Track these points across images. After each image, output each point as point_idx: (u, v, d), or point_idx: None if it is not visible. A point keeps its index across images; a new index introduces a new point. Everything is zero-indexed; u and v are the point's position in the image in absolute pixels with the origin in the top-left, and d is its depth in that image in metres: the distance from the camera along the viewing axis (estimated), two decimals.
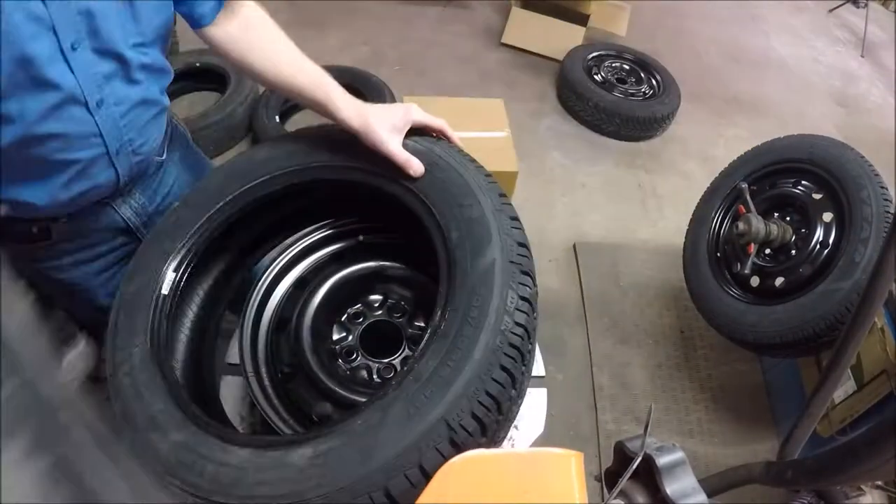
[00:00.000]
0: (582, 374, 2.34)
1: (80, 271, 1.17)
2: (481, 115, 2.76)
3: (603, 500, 0.68)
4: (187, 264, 1.00)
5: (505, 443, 0.95)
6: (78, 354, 1.44)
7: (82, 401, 0.36)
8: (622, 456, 0.71)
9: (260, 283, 1.13)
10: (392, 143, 0.96)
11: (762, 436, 2.24)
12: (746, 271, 2.03)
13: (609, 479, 0.72)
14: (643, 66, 3.67)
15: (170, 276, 0.98)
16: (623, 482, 0.67)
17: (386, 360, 1.05)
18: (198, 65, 3.03)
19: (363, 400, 0.93)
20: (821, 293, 1.78)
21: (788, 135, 2.18)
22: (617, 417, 2.25)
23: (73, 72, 0.87)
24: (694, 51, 4.30)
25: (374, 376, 1.04)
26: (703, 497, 0.64)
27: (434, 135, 1.05)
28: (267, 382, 1.01)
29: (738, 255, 2.09)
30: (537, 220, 2.88)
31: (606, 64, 3.65)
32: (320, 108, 1.03)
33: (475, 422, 0.74)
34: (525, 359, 0.83)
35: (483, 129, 2.68)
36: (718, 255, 2.18)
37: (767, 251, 2.05)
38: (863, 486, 1.59)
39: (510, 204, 0.94)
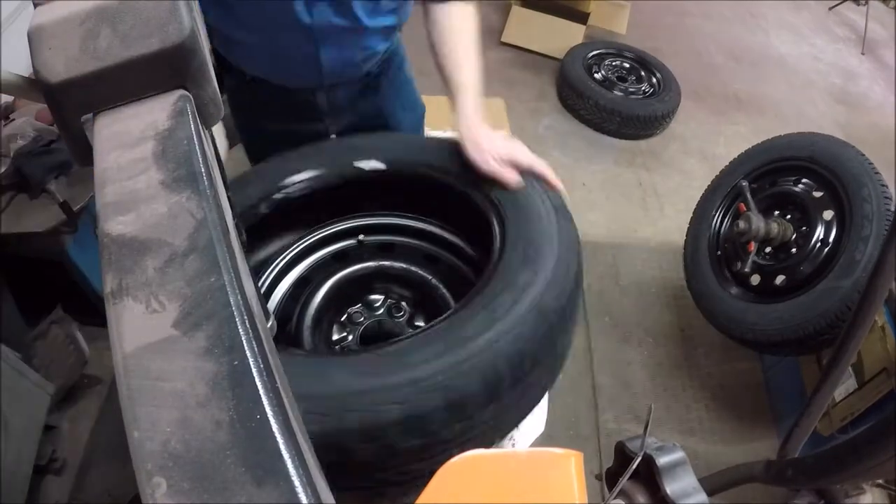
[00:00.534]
0: (582, 374, 2.34)
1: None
2: None
3: (603, 500, 0.68)
4: None
5: (505, 442, 0.95)
6: None
7: None
8: (622, 456, 0.71)
9: (261, 283, 1.13)
10: (486, 167, 1.02)
11: (762, 434, 2.24)
12: (747, 269, 2.03)
13: (609, 479, 0.72)
14: (643, 64, 3.67)
15: None
16: (623, 482, 0.67)
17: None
18: None
19: None
20: (821, 291, 1.78)
21: (789, 133, 2.18)
22: (617, 416, 2.25)
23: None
24: (694, 49, 4.29)
25: None
26: (703, 497, 0.64)
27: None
28: None
29: (738, 254, 2.09)
30: None
31: (606, 62, 3.65)
32: (451, 107, 1.13)
33: None
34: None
35: None
36: (719, 253, 2.18)
37: (768, 249, 2.05)
38: (863, 485, 1.59)
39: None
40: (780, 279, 1.96)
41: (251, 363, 0.31)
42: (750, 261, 2.02)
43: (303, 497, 0.28)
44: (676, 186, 3.21)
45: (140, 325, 0.32)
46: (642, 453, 0.67)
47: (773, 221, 2.01)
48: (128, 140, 0.39)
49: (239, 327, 0.32)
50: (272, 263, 1.15)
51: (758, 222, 1.99)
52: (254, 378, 0.31)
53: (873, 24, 4.71)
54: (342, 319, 1.11)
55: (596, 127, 3.43)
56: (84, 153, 0.42)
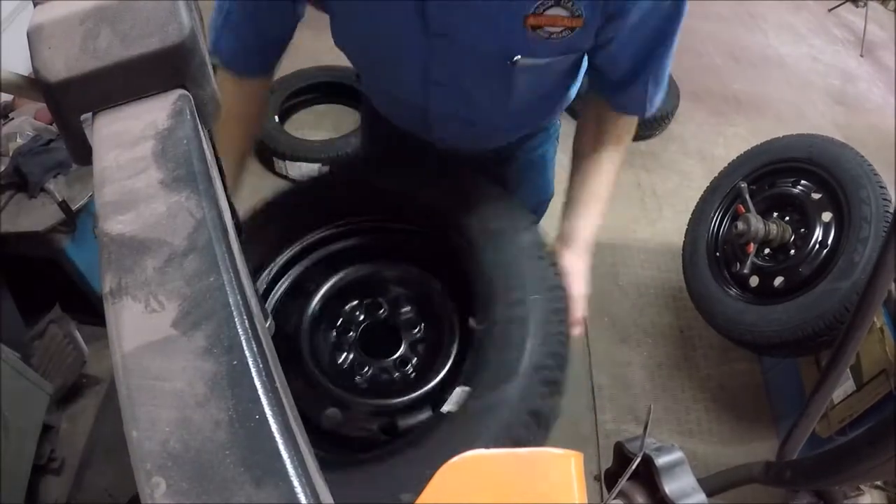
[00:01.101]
0: (581, 374, 2.34)
1: None
2: None
3: (602, 501, 0.68)
4: None
5: None
6: None
7: None
8: (621, 456, 0.71)
9: (258, 284, 1.13)
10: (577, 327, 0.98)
11: (761, 435, 2.25)
12: (746, 271, 2.03)
13: (609, 479, 0.72)
14: None
15: None
16: (622, 482, 0.67)
17: (384, 361, 1.05)
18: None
19: (363, 400, 0.94)
20: (820, 293, 1.78)
21: (787, 134, 2.18)
22: (616, 417, 2.25)
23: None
24: (693, 49, 4.29)
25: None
26: (702, 497, 0.64)
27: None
28: None
29: (737, 255, 2.09)
30: None
31: None
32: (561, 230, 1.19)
33: None
34: None
35: None
36: (718, 254, 2.18)
37: (766, 251, 2.05)
38: (862, 486, 1.60)
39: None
40: (778, 280, 1.96)
41: (250, 363, 0.31)
42: (749, 262, 2.02)
43: (302, 497, 0.28)
44: (675, 187, 3.21)
45: (139, 324, 0.32)
46: (641, 454, 0.67)
47: (771, 223, 2.02)
48: (127, 139, 0.39)
49: (238, 327, 0.32)
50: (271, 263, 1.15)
51: (756, 224, 1.99)
52: (253, 378, 0.31)
53: (872, 25, 4.71)
54: (342, 319, 1.11)
55: None
56: (83, 152, 0.42)
